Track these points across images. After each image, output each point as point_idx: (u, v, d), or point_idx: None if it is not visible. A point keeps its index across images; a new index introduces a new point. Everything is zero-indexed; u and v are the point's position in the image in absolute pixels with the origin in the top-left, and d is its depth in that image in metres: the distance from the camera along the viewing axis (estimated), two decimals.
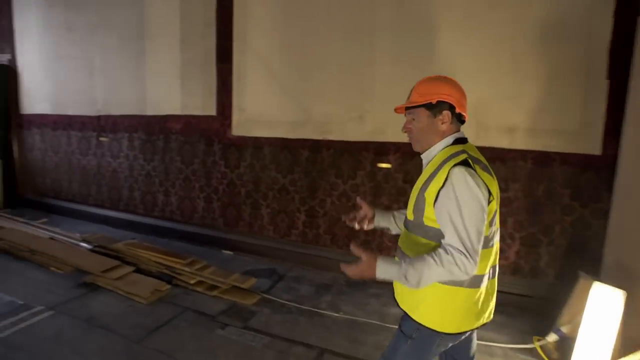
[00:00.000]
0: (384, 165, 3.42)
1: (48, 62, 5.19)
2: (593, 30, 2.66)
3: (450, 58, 3.03)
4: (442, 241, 1.14)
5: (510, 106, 2.93)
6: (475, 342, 1.45)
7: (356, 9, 3.33)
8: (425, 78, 1.30)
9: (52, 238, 4.05)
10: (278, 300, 3.08)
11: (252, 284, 3.18)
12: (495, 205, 1.21)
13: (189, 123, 4.25)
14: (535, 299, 2.94)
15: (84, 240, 3.93)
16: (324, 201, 3.70)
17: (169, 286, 3.14)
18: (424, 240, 1.23)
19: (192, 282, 3.17)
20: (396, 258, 1.30)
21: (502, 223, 2.89)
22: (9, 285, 3.14)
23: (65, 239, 4.06)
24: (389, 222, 1.51)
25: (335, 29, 3.42)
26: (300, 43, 3.60)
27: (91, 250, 3.73)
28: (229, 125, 4.03)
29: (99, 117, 4.83)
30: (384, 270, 1.17)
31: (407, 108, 1.31)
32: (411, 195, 1.30)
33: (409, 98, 1.31)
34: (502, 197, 2.91)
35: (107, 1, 4.56)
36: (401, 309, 1.32)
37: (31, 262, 3.64)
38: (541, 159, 2.91)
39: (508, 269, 3.04)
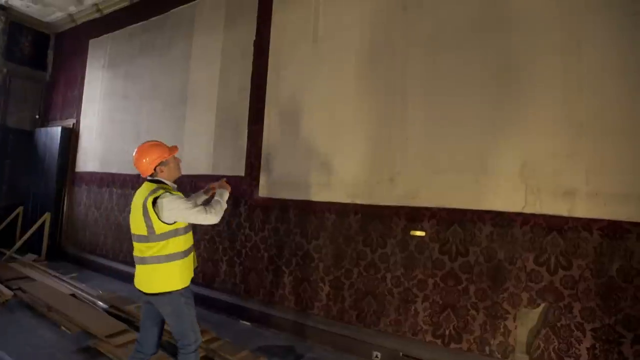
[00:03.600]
0: (417, 232, 3.05)
1: (103, 126, 5.70)
2: None
3: (486, 116, 2.76)
4: None
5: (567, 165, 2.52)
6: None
7: (386, 68, 3.26)
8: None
9: (72, 294, 3.99)
10: None
11: None
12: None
13: None
14: None
15: (100, 299, 3.81)
16: (350, 271, 3.32)
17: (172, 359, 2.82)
18: None
19: None
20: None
21: (566, 308, 2.35)
22: (14, 343, 3.02)
23: (86, 295, 3.97)
24: None
25: (365, 88, 3.35)
26: (328, 103, 3.55)
27: (105, 311, 3.58)
28: (257, 186, 3.94)
29: (139, 176, 5.02)
30: None
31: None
32: None
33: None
34: (565, 275, 2.41)
35: (158, 72, 5.01)
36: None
37: (46, 318, 3.54)
38: (612, 229, 2.38)
39: None
